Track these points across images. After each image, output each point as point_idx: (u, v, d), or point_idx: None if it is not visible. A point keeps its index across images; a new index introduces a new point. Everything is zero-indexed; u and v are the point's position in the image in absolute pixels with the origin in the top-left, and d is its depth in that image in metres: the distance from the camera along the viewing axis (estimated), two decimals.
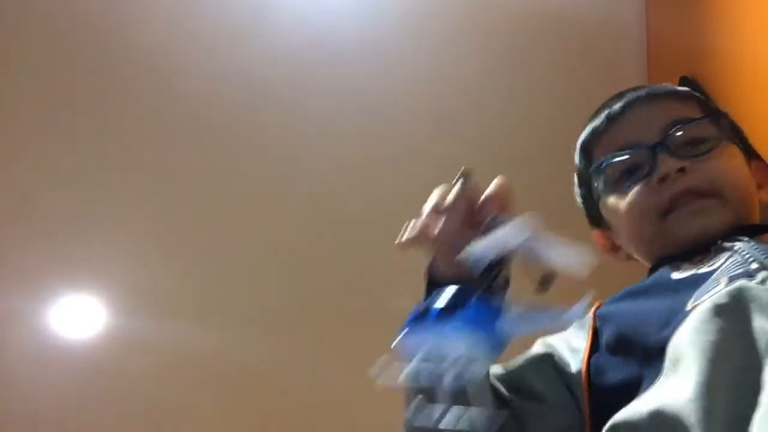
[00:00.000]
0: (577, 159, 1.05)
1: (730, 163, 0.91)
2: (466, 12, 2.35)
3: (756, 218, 0.91)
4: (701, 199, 0.87)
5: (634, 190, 0.91)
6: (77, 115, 2.25)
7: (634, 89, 0.99)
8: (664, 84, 1.04)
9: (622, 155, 0.93)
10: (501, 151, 2.36)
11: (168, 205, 2.28)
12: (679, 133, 0.90)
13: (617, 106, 0.97)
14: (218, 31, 2.29)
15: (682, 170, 0.87)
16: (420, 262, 2.62)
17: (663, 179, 0.88)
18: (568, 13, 2.34)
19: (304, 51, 2.31)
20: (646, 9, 2.35)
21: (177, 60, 2.26)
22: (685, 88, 1.03)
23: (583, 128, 1.04)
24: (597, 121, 1.00)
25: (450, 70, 2.36)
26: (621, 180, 0.93)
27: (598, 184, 0.97)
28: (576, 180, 1.07)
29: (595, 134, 0.99)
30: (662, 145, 0.89)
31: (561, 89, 2.36)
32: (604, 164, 0.95)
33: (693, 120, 0.92)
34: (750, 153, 0.98)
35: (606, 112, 0.98)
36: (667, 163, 0.88)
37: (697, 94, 1.00)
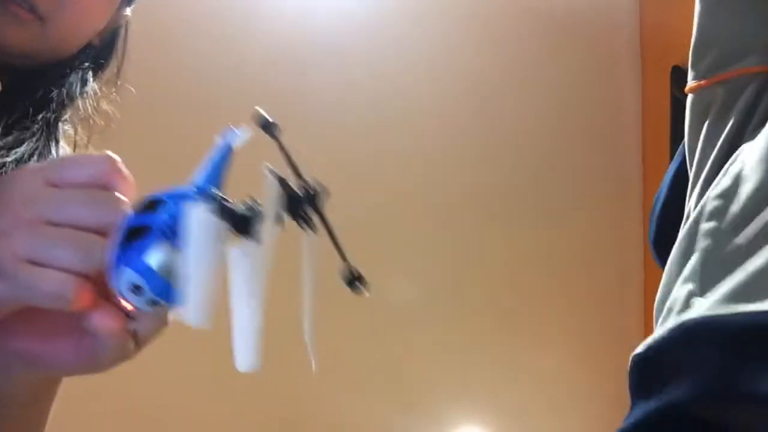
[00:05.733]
0: None
1: None
2: (461, 4, 2.37)
3: None
4: None
5: None
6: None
7: None
8: None
9: None
10: (496, 142, 2.38)
11: None
12: None
13: None
14: (214, 30, 2.29)
15: None
16: (415, 262, 2.62)
17: None
18: (561, 2, 2.35)
19: (302, 49, 2.32)
20: None
21: (173, 59, 2.27)
22: None
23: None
24: None
25: (445, 62, 2.37)
26: None
27: None
28: None
29: None
30: None
31: (555, 78, 2.38)
32: None
33: None
34: None
35: None
36: None
37: None
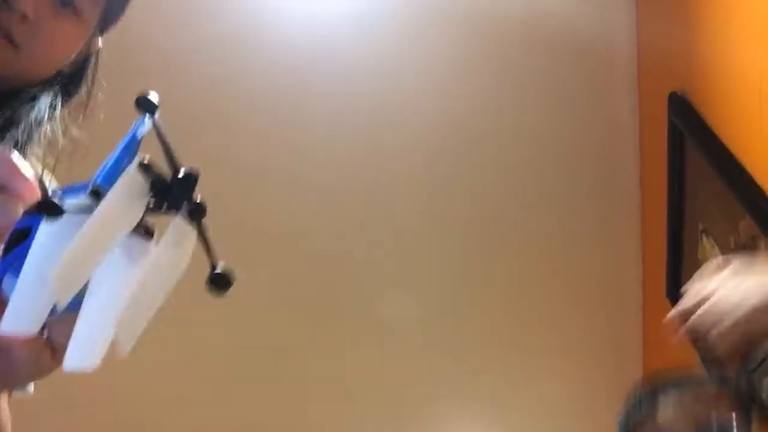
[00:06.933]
0: None
1: None
2: (460, 25, 2.39)
3: None
4: None
5: None
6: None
7: None
8: None
9: None
10: (491, 167, 2.38)
11: None
12: None
13: None
14: (215, 37, 2.30)
15: None
16: (414, 267, 2.60)
17: None
18: (559, 29, 2.37)
19: (303, 57, 2.33)
20: (636, 25, 2.38)
21: (174, 65, 2.27)
22: None
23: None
24: None
25: (442, 84, 2.38)
26: None
27: None
28: None
29: None
30: None
31: (552, 105, 2.39)
32: None
33: None
34: None
35: None
36: None
37: None
